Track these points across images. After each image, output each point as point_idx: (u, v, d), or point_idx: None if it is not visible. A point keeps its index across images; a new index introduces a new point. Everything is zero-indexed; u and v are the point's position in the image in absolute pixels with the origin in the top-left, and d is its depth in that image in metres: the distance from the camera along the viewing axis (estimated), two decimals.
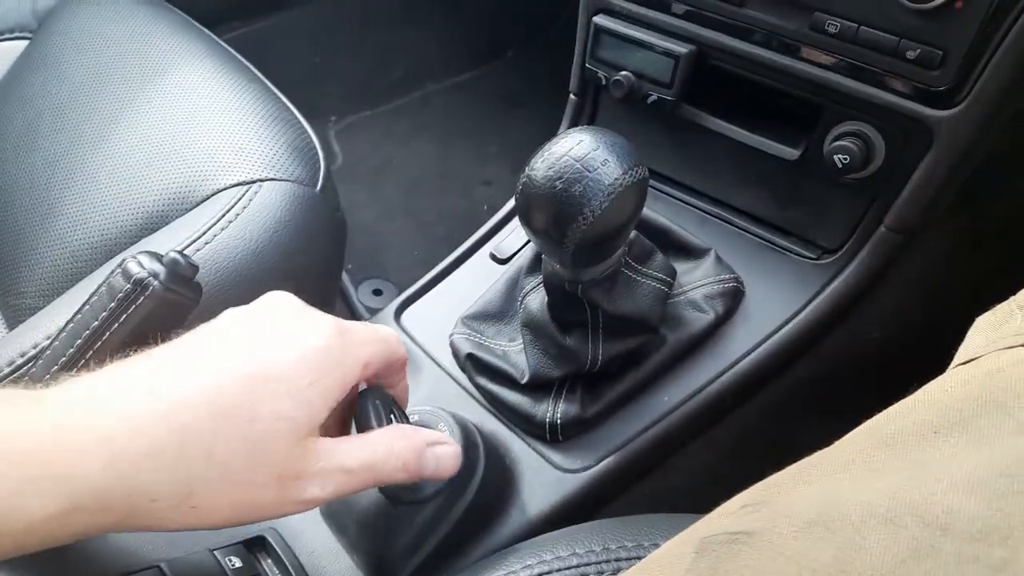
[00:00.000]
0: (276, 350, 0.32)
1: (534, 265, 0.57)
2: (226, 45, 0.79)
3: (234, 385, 0.30)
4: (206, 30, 0.80)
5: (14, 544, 0.27)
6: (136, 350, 0.34)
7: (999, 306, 0.30)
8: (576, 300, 0.48)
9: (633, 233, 0.51)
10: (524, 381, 0.52)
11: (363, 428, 0.37)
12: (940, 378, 0.28)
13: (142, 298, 0.38)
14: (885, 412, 0.28)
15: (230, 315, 0.34)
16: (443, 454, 0.38)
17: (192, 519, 0.30)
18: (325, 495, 0.33)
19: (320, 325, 0.34)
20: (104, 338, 0.38)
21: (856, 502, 0.23)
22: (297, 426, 0.31)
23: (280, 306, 0.35)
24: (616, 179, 0.40)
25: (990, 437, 0.23)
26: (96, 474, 0.28)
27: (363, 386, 0.39)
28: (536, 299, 0.53)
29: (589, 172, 0.40)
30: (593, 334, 0.50)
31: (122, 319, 0.38)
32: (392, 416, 0.38)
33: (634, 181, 0.41)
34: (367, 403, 0.37)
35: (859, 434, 0.28)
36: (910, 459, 0.24)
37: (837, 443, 0.28)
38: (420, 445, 0.36)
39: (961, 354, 0.29)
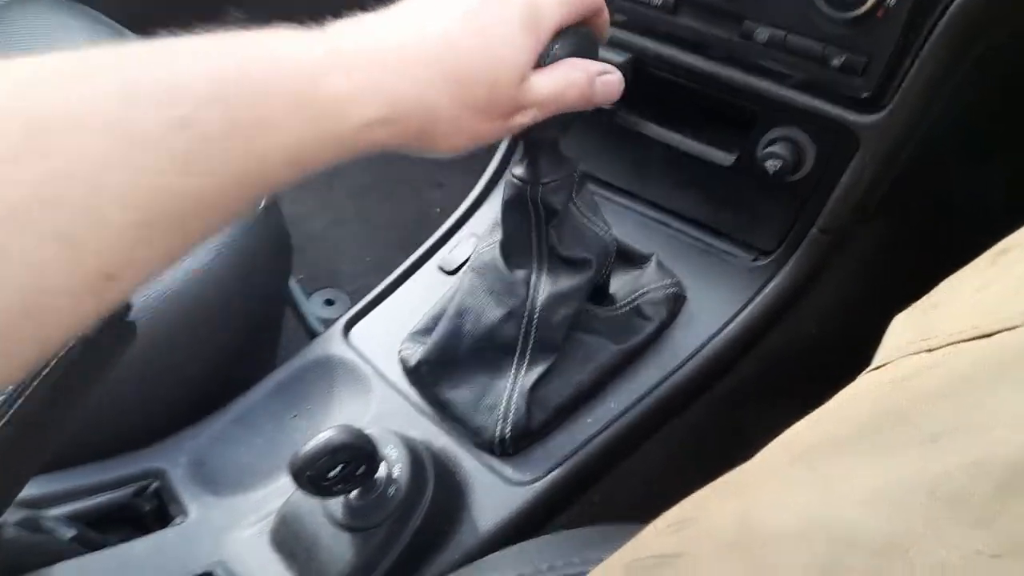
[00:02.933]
0: (487, 9, 0.37)
1: (492, 228, 0.58)
2: None
3: (472, 34, 0.36)
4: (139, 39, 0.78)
5: (345, 142, 0.32)
6: (68, 394, 0.33)
7: (915, 304, 0.31)
8: (529, 220, 0.50)
9: (578, 175, 0.51)
10: (467, 327, 0.53)
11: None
12: (850, 386, 0.28)
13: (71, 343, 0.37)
14: (802, 422, 0.28)
15: None
16: (610, 80, 0.43)
17: (456, 140, 0.37)
18: (528, 120, 0.39)
19: None
20: (33, 385, 0.37)
21: (771, 519, 0.23)
22: (515, 72, 0.37)
23: None
24: None
25: (893, 449, 0.23)
26: (404, 90, 0.34)
27: None
28: (489, 251, 0.54)
29: None
30: (537, 271, 0.52)
31: (50, 366, 0.37)
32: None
33: (577, 36, 0.42)
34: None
35: (777, 447, 0.28)
36: (821, 473, 0.24)
37: (758, 456, 0.28)
38: (592, 75, 0.42)
39: (876, 357, 0.30)
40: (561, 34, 0.41)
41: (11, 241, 0.24)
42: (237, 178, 0.29)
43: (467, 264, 0.56)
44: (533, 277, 0.52)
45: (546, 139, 0.47)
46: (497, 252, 0.53)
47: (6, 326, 0.24)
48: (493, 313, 0.52)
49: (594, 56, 0.43)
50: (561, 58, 0.40)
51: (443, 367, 0.55)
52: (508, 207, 0.51)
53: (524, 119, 0.39)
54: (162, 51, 0.29)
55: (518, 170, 0.48)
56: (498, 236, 0.54)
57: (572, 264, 0.52)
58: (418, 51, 0.34)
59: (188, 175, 0.27)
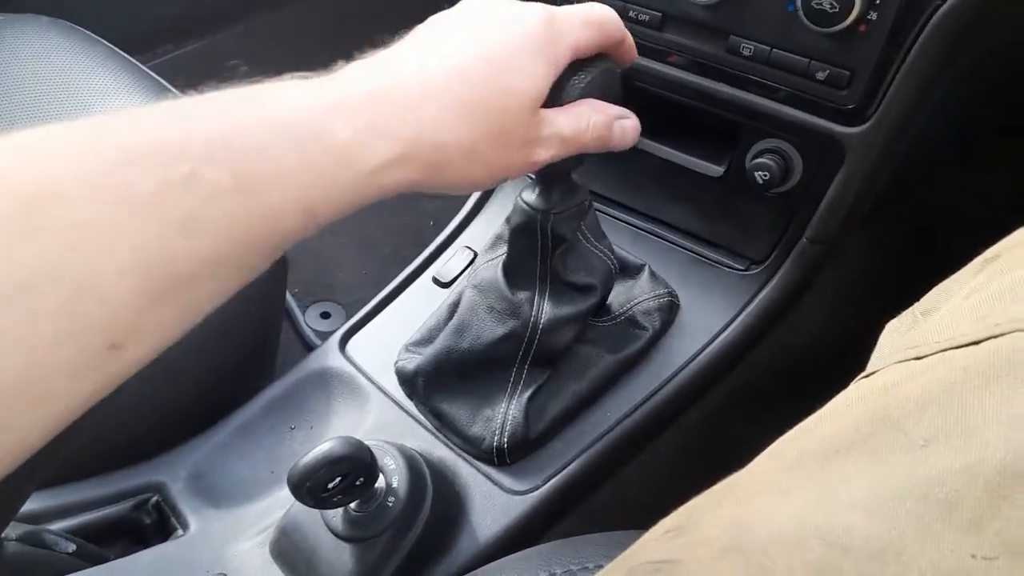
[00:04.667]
0: (498, 35, 0.36)
1: (494, 243, 0.59)
2: (154, 74, 0.77)
3: (480, 62, 0.35)
4: (132, 59, 0.79)
5: (364, 187, 0.32)
6: None
7: (906, 311, 0.32)
8: (535, 247, 0.49)
9: (588, 203, 0.52)
10: (466, 344, 0.53)
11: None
12: (843, 393, 0.29)
13: None
14: (795, 428, 0.29)
15: (452, 13, 0.38)
16: (628, 126, 0.43)
17: (477, 174, 0.36)
18: (548, 157, 0.39)
19: (529, 12, 0.38)
20: None
21: (766, 525, 0.24)
22: (528, 99, 0.37)
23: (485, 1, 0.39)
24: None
25: (884, 455, 0.23)
26: (413, 126, 0.33)
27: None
28: (491, 268, 0.54)
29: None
30: (540, 295, 0.52)
31: None
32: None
33: (599, 72, 0.41)
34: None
35: (771, 453, 0.29)
36: (815, 480, 0.25)
37: (753, 462, 0.29)
38: (611, 119, 0.41)
39: (869, 364, 0.31)
40: (584, 68, 0.40)
41: (7, 320, 0.23)
42: (247, 236, 0.28)
43: (466, 278, 0.56)
44: (536, 299, 0.52)
45: (562, 169, 0.46)
46: (499, 271, 0.53)
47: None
48: (493, 332, 0.52)
49: (617, 93, 0.43)
50: (583, 94, 0.40)
51: (439, 380, 0.55)
52: (516, 232, 0.50)
53: (545, 154, 0.38)
54: (159, 112, 0.29)
55: (529, 197, 0.48)
56: (500, 253, 0.54)
57: (576, 289, 0.52)
58: (425, 85, 0.34)
59: (193, 237, 0.27)
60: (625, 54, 0.44)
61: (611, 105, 0.42)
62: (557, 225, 0.48)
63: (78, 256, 0.24)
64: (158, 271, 0.26)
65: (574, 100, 0.40)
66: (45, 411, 0.25)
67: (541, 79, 0.37)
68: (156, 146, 0.27)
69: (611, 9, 0.42)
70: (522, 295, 0.52)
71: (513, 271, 0.52)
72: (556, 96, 0.39)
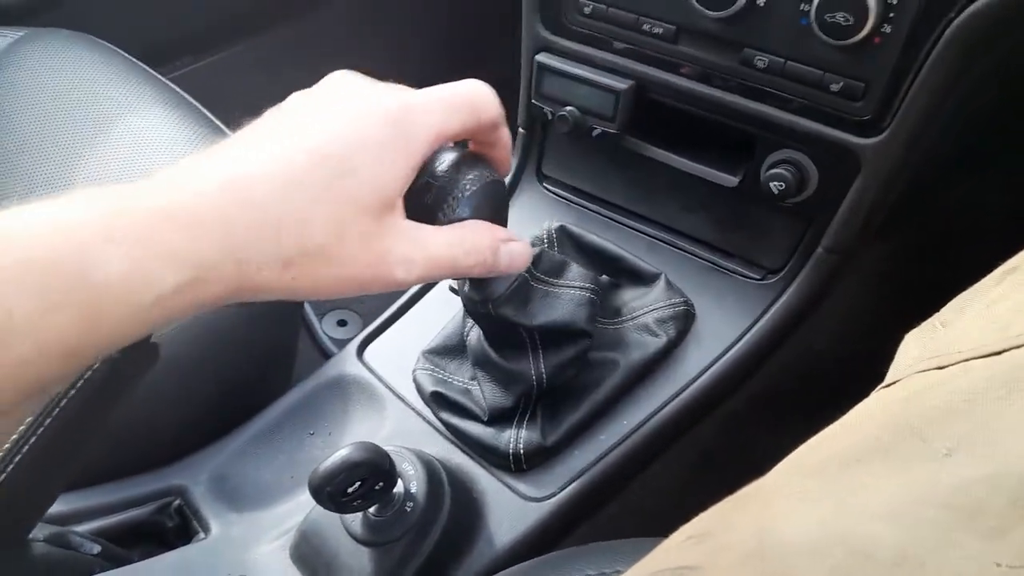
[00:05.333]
0: (336, 129, 0.32)
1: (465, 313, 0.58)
2: (175, 86, 0.79)
3: (307, 163, 0.31)
4: (153, 71, 0.80)
5: (146, 319, 0.28)
6: (95, 413, 0.34)
7: (926, 322, 0.32)
8: (498, 320, 0.48)
9: (538, 249, 0.52)
10: (485, 419, 0.54)
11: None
12: (863, 403, 0.29)
13: (96, 364, 0.38)
14: (817, 437, 0.29)
15: (295, 98, 0.35)
16: (515, 250, 0.38)
17: (297, 289, 0.32)
18: (412, 278, 0.34)
19: (381, 100, 0.33)
20: (62, 405, 0.38)
21: (788, 532, 0.24)
22: (367, 205, 0.32)
23: (340, 84, 0.35)
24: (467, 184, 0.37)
25: (906, 464, 0.24)
26: (209, 248, 0.29)
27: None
28: (475, 334, 0.55)
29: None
30: (533, 351, 0.52)
31: (77, 387, 0.38)
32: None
33: (483, 184, 0.37)
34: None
35: (793, 461, 0.29)
36: (837, 488, 0.25)
37: (774, 469, 0.29)
38: (496, 243, 0.37)
39: (889, 374, 0.31)
40: (466, 177, 0.35)
41: None
42: None
43: (467, 348, 0.56)
44: (531, 359, 0.52)
45: None
46: (484, 343, 0.53)
47: None
48: (505, 401, 0.53)
49: (504, 206, 0.38)
50: (469, 209, 0.35)
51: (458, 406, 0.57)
52: (473, 318, 0.50)
53: (406, 276, 0.33)
54: None
55: (466, 288, 0.47)
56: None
57: (556, 332, 0.51)
58: (238, 195, 0.30)
59: None
60: (501, 160, 0.38)
61: (497, 227, 0.37)
62: (501, 309, 0.47)
63: None
64: None
65: (457, 219, 0.35)
66: None
67: (386, 180, 0.32)
68: None
69: (484, 87, 0.36)
70: (517, 361, 0.52)
71: (492, 341, 0.53)
72: (434, 212, 0.35)
